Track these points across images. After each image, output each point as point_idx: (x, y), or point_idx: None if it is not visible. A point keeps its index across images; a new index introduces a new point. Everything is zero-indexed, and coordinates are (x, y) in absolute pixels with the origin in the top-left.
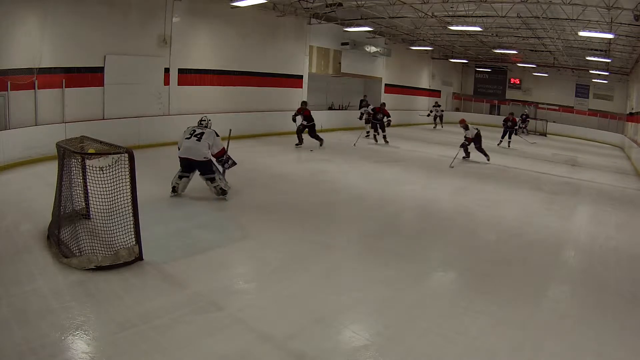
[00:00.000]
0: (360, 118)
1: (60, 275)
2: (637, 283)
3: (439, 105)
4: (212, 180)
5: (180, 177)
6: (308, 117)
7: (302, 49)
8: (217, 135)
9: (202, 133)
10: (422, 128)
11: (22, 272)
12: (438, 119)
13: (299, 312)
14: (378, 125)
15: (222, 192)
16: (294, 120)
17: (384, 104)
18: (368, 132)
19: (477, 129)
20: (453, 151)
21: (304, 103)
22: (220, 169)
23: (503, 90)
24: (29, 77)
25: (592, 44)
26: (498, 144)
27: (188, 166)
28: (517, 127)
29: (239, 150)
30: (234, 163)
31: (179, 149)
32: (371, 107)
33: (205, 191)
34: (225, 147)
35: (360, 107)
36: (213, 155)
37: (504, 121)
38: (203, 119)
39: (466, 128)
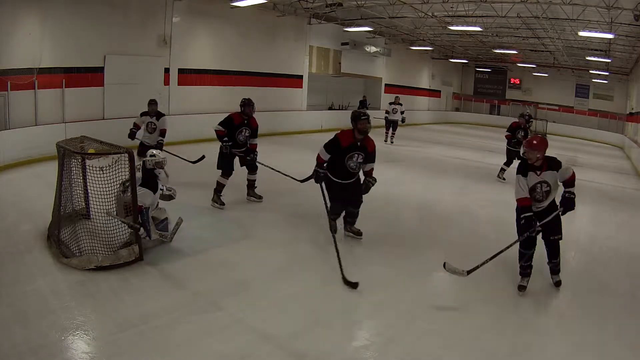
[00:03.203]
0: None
1: (60, 275)
2: (637, 283)
3: (400, 104)
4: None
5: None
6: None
7: (302, 49)
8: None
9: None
10: (422, 128)
11: (22, 272)
12: (391, 128)
13: (299, 312)
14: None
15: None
16: (513, 146)
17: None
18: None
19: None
20: (454, 151)
21: (524, 116)
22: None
23: (503, 90)
24: (29, 77)
25: (592, 44)
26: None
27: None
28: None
29: None
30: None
31: None
32: None
33: (205, 191)
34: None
35: (360, 107)
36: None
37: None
38: (148, 152)
39: None
